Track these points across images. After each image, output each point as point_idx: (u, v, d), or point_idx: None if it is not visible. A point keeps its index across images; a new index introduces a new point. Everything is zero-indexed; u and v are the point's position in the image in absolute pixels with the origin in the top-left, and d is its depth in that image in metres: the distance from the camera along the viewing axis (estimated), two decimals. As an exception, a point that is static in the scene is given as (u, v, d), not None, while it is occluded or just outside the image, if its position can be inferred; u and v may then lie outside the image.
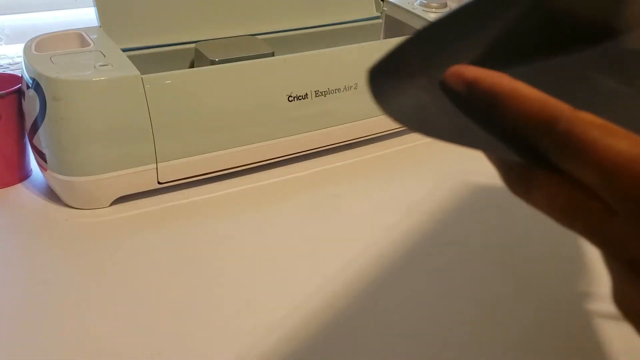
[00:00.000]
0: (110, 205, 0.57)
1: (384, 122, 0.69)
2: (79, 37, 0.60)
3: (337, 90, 0.64)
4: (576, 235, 0.23)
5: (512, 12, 0.25)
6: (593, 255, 0.50)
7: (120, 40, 0.60)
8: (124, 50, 0.58)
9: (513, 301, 0.45)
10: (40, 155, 0.55)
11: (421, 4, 0.76)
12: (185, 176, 0.59)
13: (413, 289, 0.46)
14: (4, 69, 0.79)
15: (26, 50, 0.57)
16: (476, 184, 0.61)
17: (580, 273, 0.49)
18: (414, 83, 0.25)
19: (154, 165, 0.56)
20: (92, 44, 0.58)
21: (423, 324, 0.42)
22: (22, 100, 0.57)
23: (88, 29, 0.61)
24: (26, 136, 0.59)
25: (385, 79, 0.24)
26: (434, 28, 0.25)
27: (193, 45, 0.65)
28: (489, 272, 0.48)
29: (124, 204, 0.57)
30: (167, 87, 0.55)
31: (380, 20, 0.78)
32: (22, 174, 0.61)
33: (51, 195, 0.58)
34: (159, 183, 0.58)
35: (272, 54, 0.63)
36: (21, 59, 0.56)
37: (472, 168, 0.65)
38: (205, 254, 0.50)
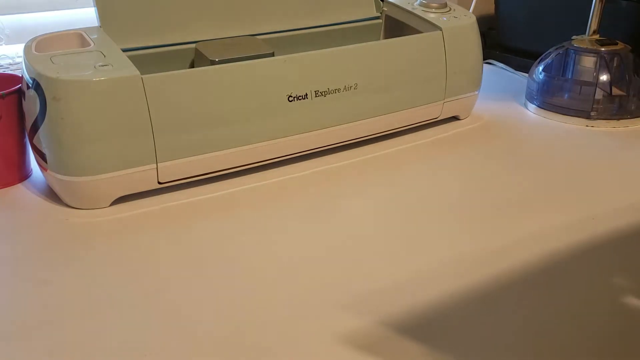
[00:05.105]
0: (110, 205, 0.57)
1: (384, 122, 0.70)
2: (79, 37, 0.60)
3: (337, 90, 0.64)
4: None
5: None
6: None
7: (120, 40, 0.61)
8: (124, 50, 0.58)
9: (514, 300, 0.45)
10: (40, 155, 0.55)
11: (421, 4, 0.76)
12: (185, 176, 0.59)
13: (413, 289, 0.46)
14: (4, 69, 0.79)
15: (26, 50, 0.57)
16: (476, 185, 0.61)
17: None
18: None
19: (154, 165, 0.56)
20: (92, 44, 0.58)
21: (427, 325, 0.43)
22: (22, 100, 0.57)
23: (88, 29, 0.61)
24: (26, 136, 0.59)
25: None
26: None
27: (193, 45, 0.65)
28: (488, 272, 0.48)
29: (124, 204, 0.57)
30: (167, 87, 0.55)
31: (380, 20, 0.78)
32: (22, 174, 0.62)
33: (51, 195, 0.58)
34: (159, 183, 0.58)
35: (272, 54, 0.63)
36: (21, 59, 0.56)
37: (473, 168, 0.65)
38: (205, 254, 0.50)
